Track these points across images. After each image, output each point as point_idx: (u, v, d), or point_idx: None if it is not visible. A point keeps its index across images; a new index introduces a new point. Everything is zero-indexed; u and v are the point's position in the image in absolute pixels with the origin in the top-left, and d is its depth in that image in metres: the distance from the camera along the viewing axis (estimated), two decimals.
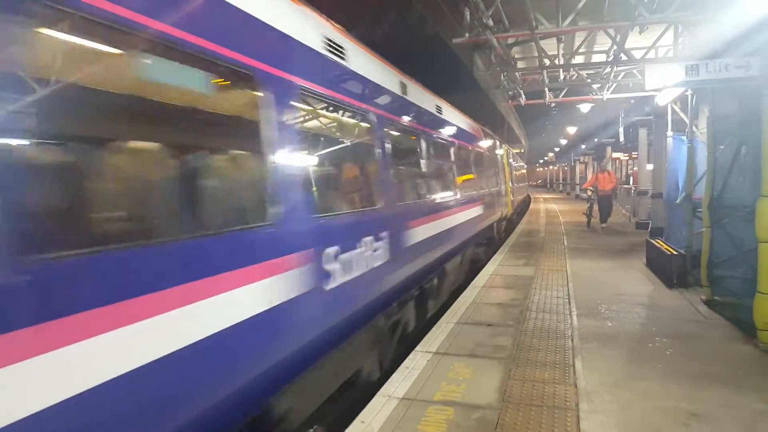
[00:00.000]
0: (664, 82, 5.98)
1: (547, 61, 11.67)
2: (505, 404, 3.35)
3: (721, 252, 5.74)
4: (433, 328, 5.08)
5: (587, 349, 4.42)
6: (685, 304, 5.91)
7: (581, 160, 36.60)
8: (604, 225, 14.22)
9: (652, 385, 3.64)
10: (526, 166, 35.94)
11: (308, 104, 3.50)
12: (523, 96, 15.54)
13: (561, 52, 11.53)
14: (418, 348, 4.50)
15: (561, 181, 53.48)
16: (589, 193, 15.59)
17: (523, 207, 24.25)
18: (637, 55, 11.26)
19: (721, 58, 5.52)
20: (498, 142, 14.00)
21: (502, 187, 13.63)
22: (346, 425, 3.14)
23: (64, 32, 1.80)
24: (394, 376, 3.89)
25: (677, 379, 3.75)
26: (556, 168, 60.72)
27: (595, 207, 14.87)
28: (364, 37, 4.64)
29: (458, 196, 7.66)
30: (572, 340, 4.61)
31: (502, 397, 3.45)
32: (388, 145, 4.68)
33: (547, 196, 41.38)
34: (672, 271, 6.77)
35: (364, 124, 4.37)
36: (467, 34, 8.92)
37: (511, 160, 18.38)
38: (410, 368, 4.02)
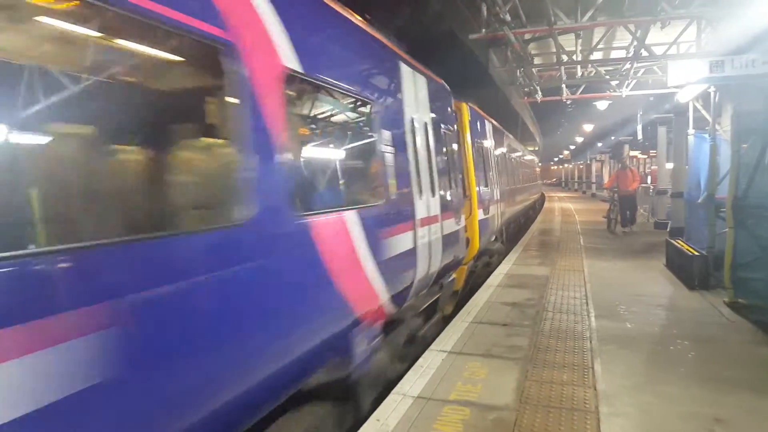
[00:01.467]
0: (687, 79, 5.86)
1: (564, 57, 11.50)
2: (523, 405, 3.30)
3: (745, 253, 5.58)
4: (447, 327, 5.03)
5: (606, 351, 4.34)
6: (707, 306, 5.77)
7: (597, 159, 36.12)
8: (625, 229, 13.03)
9: (673, 389, 3.55)
10: (538, 161, 33.51)
11: None
12: (540, 92, 15.34)
13: (579, 48, 11.35)
14: (432, 347, 4.46)
15: (576, 179, 52.88)
16: (608, 193, 14.27)
17: (532, 215, 19.31)
18: (658, 51, 11.04)
19: (746, 54, 5.37)
20: (426, 79, 5.39)
21: (429, 198, 4.88)
22: (361, 423, 3.13)
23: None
24: (409, 374, 3.86)
25: (700, 383, 3.65)
26: (571, 166, 60.01)
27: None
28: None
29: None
30: (591, 342, 4.53)
31: (520, 399, 3.40)
32: None
33: (562, 195, 40.94)
34: (693, 273, 6.61)
35: None
36: (483, 30, 8.84)
37: (487, 142, 9.49)
38: (425, 367, 3.98)
